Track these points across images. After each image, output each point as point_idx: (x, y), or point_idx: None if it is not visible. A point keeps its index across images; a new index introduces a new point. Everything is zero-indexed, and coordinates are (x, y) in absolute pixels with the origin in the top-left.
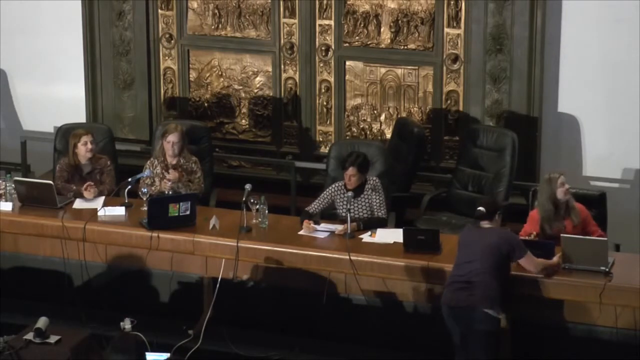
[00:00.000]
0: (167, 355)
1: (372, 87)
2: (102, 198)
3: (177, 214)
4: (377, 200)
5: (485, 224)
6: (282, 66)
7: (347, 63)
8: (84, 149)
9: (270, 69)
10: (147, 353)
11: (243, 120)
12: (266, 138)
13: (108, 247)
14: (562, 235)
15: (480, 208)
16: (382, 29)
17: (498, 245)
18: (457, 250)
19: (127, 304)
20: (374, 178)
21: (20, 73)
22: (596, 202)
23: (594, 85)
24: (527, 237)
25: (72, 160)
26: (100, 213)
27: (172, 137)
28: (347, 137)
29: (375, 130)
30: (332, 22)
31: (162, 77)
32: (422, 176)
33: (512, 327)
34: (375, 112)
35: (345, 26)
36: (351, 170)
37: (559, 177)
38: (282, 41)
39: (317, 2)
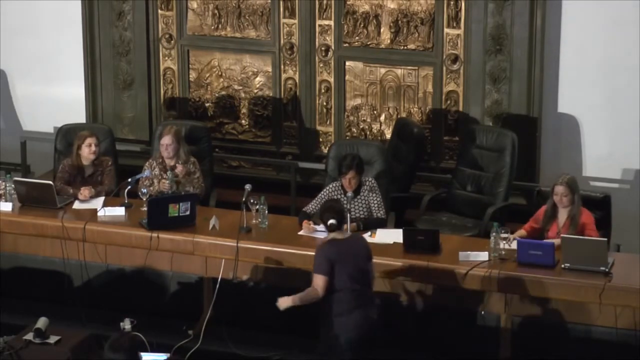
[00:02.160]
0: (167, 355)
1: (372, 87)
2: (102, 198)
3: (177, 214)
4: (376, 201)
5: (339, 234)
6: (282, 66)
7: (347, 63)
8: (87, 150)
9: (270, 69)
10: (146, 353)
11: (243, 121)
12: (266, 138)
13: (108, 247)
14: (562, 235)
15: (333, 221)
16: (382, 29)
17: (366, 251)
18: (330, 271)
19: (127, 304)
20: (370, 179)
21: (20, 73)
22: (600, 204)
23: (594, 86)
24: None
25: (75, 161)
26: (100, 213)
27: (166, 140)
28: (347, 137)
29: (375, 131)
30: (332, 22)
31: (162, 78)
32: (422, 176)
33: (512, 327)
34: (375, 112)
35: (345, 26)
36: (350, 174)
37: (555, 186)
38: (282, 41)
39: (317, 2)
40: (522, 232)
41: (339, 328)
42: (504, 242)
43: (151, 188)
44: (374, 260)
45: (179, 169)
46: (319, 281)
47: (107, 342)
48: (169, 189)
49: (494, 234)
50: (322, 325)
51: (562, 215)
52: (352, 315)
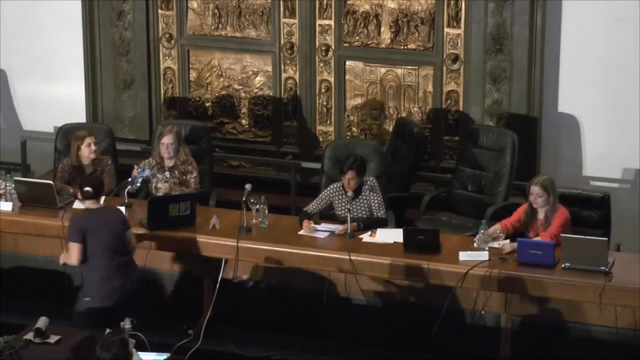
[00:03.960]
0: (167, 355)
1: (372, 87)
2: (102, 198)
3: (177, 214)
4: (376, 201)
5: (94, 204)
6: (282, 66)
7: (347, 63)
8: (87, 150)
9: (270, 69)
10: (146, 353)
11: (243, 120)
12: (266, 138)
13: None
14: (562, 235)
15: (88, 189)
16: (382, 29)
17: (121, 219)
18: (82, 240)
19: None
20: (371, 178)
21: (20, 73)
22: (599, 204)
23: (594, 85)
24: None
25: (74, 161)
26: None
27: (167, 139)
28: (348, 137)
29: (375, 130)
30: (332, 22)
31: (162, 77)
32: (422, 176)
33: (512, 327)
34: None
35: (345, 26)
36: (350, 174)
37: (531, 186)
38: (282, 41)
39: (317, 2)
40: (497, 226)
41: (90, 294)
42: (496, 241)
43: (158, 186)
44: (374, 260)
45: (163, 187)
46: (72, 249)
47: (99, 342)
48: (168, 190)
49: (482, 231)
50: (80, 290)
51: (540, 215)
52: (104, 283)
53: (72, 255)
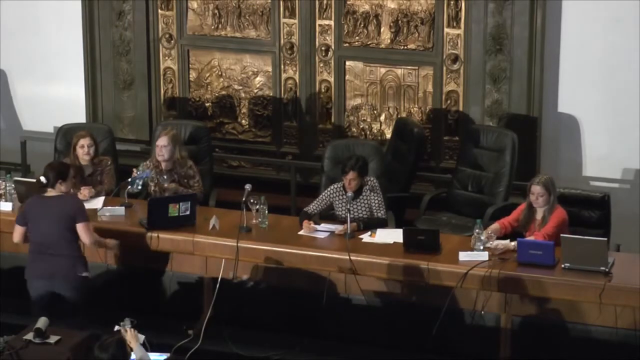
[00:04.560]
0: (167, 355)
1: (372, 87)
2: (102, 198)
3: (177, 214)
4: (376, 201)
5: (50, 193)
6: (282, 66)
7: (347, 63)
8: (81, 151)
9: (270, 69)
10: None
11: (243, 121)
12: (266, 138)
13: None
14: (562, 235)
15: (42, 178)
16: (382, 29)
17: (68, 211)
18: (28, 224)
19: (127, 304)
20: (372, 178)
21: (20, 73)
22: (599, 204)
23: (594, 85)
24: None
25: (73, 161)
26: (100, 213)
27: (160, 142)
28: (349, 136)
29: (375, 130)
30: (332, 22)
31: (162, 77)
32: (422, 176)
33: (512, 327)
34: (375, 112)
35: (345, 26)
36: (351, 175)
37: (532, 186)
38: (282, 41)
39: (317, 2)
40: (495, 225)
41: (27, 273)
42: (489, 241)
43: (165, 186)
44: (374, 260)
45: (171, 187)
46: (15, 229)
47: (96, 343)
48: (176, 190)
49: (476, 230)
50: None
51: (539, 215)
52: (36, 265)
53: (13, 234)
